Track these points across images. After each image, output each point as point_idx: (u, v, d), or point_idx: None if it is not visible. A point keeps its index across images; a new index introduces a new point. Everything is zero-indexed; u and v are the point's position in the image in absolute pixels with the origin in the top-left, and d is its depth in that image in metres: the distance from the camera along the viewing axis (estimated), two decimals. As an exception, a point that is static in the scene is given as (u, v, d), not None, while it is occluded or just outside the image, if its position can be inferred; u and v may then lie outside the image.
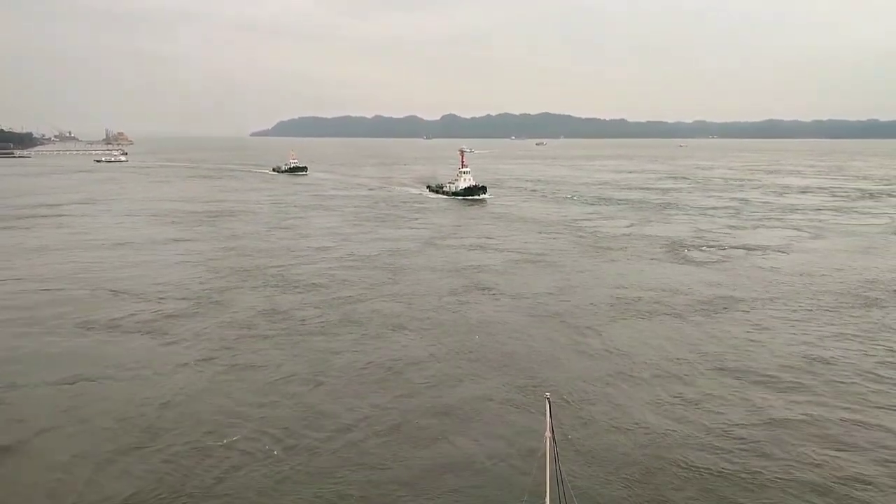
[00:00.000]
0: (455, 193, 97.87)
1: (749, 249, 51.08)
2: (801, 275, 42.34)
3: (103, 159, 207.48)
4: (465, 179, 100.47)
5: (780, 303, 34.80)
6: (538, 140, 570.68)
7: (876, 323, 30.79)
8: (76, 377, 24.16)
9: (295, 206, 78.80)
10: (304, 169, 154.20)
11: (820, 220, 70.12)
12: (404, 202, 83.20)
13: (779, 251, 51.05)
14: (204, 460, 17.84)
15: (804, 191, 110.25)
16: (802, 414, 20.07)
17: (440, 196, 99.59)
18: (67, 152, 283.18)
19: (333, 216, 69.10)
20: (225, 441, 19.14)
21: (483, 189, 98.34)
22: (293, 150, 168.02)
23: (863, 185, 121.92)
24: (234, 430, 19.65)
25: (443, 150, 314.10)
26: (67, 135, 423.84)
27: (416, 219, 65.64)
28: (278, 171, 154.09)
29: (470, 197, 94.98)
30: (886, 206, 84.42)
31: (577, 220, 68.55)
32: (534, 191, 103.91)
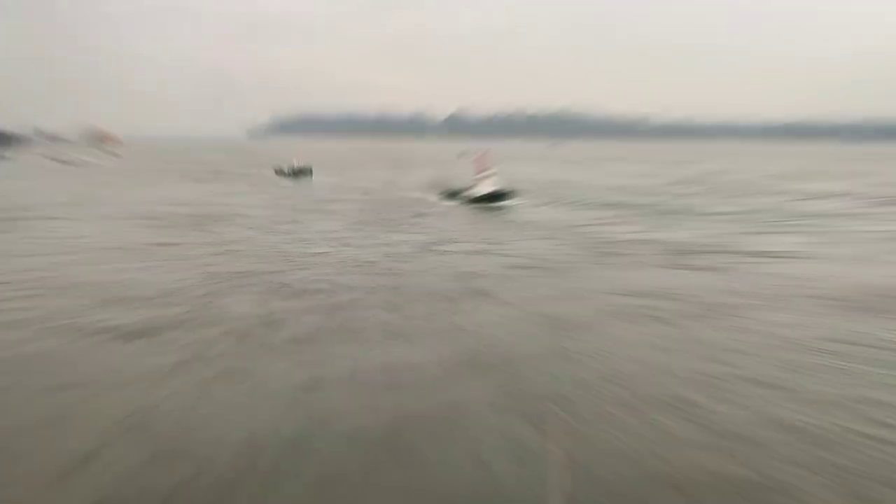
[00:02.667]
0: (476, 199, 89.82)
1: (756, 255, 50.68)
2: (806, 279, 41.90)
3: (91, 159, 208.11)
4: (486, 183, 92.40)
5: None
6: (551, 143, 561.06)
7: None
8: (58, 385, 23.55)
9: (297, 211, 78.42)
10: (310, 171, 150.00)
11: (851, 227, 69.37)
12: (421, 210, 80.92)
13: (787, 258, 50.50)
14: (188, 468, 17.07)
15: (832, 196, 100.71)
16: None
17: (458, 202, 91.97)
18: (51, 152, 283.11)
19: (343, 222, 68.58)
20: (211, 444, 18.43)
21: (508, 195, 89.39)
22: (297, 152, 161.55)
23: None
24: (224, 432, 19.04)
25: (450, 150, 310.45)
26: (51, 136, 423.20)
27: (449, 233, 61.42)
28: (281, 174, 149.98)
29: (494, 203, 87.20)
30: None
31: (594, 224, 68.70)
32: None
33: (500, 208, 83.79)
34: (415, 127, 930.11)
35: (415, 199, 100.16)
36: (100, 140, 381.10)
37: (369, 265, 43.74)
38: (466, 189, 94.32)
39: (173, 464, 16.91)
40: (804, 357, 24.85)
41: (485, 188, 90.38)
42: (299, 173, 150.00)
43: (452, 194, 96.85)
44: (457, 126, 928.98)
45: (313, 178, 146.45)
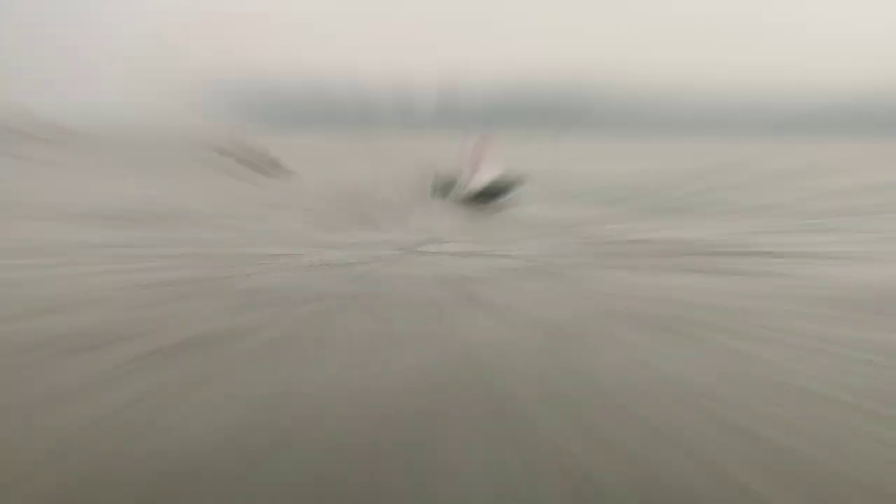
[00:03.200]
0: (471, 195, 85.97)
1: (776, 256, 49.80)
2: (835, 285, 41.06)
3: None
4: (482, 176, 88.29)
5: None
6: (555, 132, 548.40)
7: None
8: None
9: (264, 207, 76.54)
10: (278, 163, 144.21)
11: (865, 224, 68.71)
12: (408, 207, 78.84)
13: (817, 259, 49.65)
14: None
15: (869, 189, 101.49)
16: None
17: (450, 198, 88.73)
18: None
19: (318, 219, 66.93)
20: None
21: (510, 188, 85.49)
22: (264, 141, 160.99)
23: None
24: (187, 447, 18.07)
25: (437, 140, 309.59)
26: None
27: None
28: (246, 164, 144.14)
29: (493, 200, 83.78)
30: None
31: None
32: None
33: (499, 205, 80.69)
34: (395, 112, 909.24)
35: (401, 193, 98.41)
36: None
37: (346, 268, 42.33)
38: (462, 184, 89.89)
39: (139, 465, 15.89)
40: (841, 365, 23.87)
41: (483, 182, 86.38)
42: (269, 164, 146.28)
43: (445, 190, 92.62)
44: (445, 114, 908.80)
45: (284, 168, 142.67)
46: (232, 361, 26.17)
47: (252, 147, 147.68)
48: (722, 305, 34.39)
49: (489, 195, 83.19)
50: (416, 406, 22.31)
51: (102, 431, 20.44)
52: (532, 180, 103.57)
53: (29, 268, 44.75)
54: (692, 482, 16.00)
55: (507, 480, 16.27)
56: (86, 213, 68.15)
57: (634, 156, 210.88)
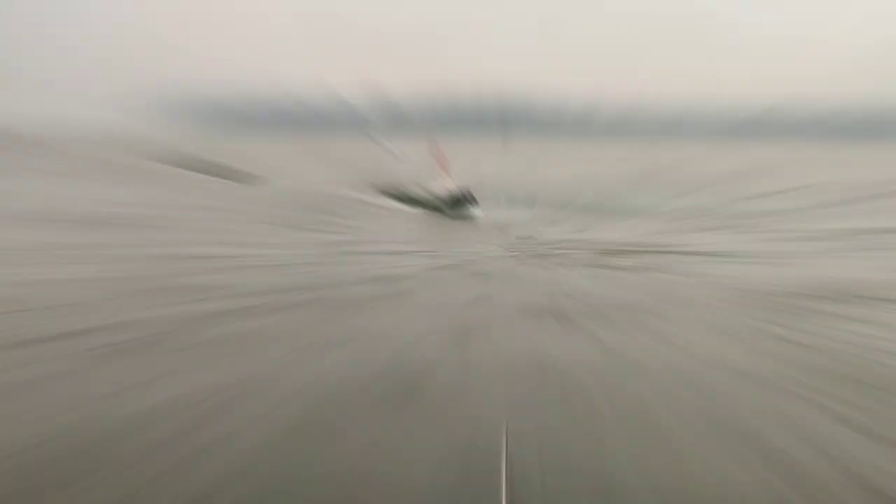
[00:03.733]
0: (431, 203, 79.52)
1: (688, 255, 53.57)
2: (737, 279, 44.57)
3: None
4: (443, 184, 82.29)
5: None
6: (505, 135, 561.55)
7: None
8: None
9: (207, 210, 77.00)
10: (233, 167, 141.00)
11: (790, 224, 72.63)
12: (353, 210, 78.72)
13: (727, 257, 53.47)
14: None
15: (782, 192, 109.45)
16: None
17: (407, 207, 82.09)
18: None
19: (264, 222, 68.13)
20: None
21: (471, 200, 77.13)
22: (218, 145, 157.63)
23: (852, 191, 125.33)
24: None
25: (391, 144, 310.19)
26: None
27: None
28: (195, 170, 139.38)
29: (455, 209, 76.94)
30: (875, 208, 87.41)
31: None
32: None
33: (461, 214, 77.03)
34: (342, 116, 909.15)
35: (348, 197, 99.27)
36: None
37: (289, 267, 44.35)
38: (419, 190, 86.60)
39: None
40: (681, 357, 27.24)
41: (443, 190, 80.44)
42: (219, 168, 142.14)
43: (399, 195, 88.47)
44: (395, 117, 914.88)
45: (234, 170, 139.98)
46: (177, 353, 28.30)
47: (212, 153, 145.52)
48: (614, 299, 37.77)
49: (453, 203, 79.14)
50: (338, 389, 24.79)
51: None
52: (477, 185, 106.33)
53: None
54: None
55: (417, 451, 18.46)
56: (45, 217, 68.55)
57: (579, 160, 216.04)
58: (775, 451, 19.67)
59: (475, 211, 76.91)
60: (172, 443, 19.81)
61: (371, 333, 31.21)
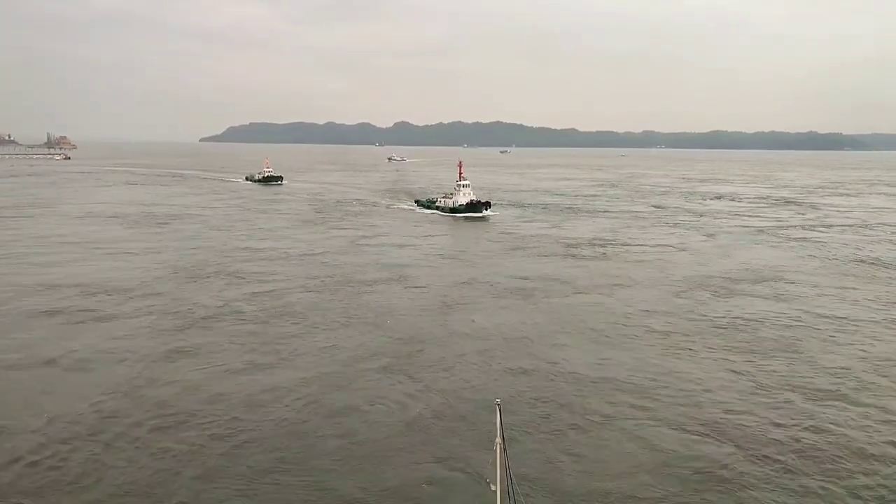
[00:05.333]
0: (454, 210, 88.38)
1: (634, 246, 59.75)
2: (657, 266, 50.30)
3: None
4: (464, 193, 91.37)
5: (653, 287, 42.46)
6: (502, 148, 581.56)
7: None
8: (38, 362, 28.58)
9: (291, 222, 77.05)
10: (280, 178, 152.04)
11: (715, 223, 79.02)
12: (375, 212, 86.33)
13: (660, 247, 59.36)
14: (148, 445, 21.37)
15: (721, 197, 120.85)
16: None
17: (434, 212, 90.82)
18: (6, 156, 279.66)
19: (319, 226, 72.16)
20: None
21: (486, 205, 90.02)
22: (267, 159, 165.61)
23: (777, 192, 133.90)
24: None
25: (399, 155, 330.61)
26: (7, 138, 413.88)
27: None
28: (252, 180, 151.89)
29: (471, 214, 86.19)
30: (782, 211, 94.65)
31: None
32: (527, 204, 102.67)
33: (480, 218, 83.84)
34: (362, 133, 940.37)
35: (365, 199, 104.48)
36: (55, 143, 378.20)
37: (309, 257, 49.89)
38: (443, 198, 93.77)
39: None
40: (611, 320, 32.66)
41: (462, 198, 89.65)
42: (269, 179, 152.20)
43: (429, 204, 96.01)
44: (403, 133, 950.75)
45: (283, 183, 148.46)
46: (225, 329, 32.64)
47: (263, 168, 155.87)
48: (570, 279, 42.85)
49: (473, 208, 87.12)
50: (353, 355, 29.39)
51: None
52: (479, 191, 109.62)
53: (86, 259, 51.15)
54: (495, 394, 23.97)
55: (460, 427, 23.23)
56: (123, 215, 73.69)
57: (566, 171, 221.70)
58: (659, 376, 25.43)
59: (489, 212, 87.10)
60: (239, 392, 24.58)
61: (380, 307, 36.16)
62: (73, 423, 22.06)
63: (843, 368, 28.36)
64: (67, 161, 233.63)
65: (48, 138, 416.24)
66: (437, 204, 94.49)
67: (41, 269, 47.82)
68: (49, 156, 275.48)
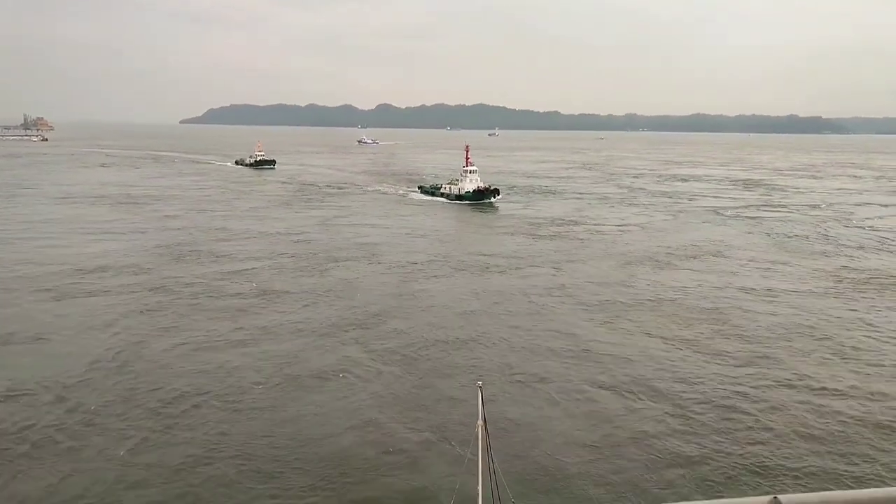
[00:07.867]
0: (460, 197, 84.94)
1: (594, 225, 63.65)
2: (613, 243, 53.73)
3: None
4: (471, 180, 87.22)
5: (596, 261, 46.06)
6: (490, 131, 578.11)
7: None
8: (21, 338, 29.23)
9: (279, 203, 78.27)
10: (272, 162, 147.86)
11: (679, 204, 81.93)
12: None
13: (617, 226, 63.22)
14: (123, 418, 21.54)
15: (691, 179, 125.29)
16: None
17: (439, 199, 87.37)
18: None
19: (324, 212, 72.20)
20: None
21: (495, 192, 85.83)
22: (260, 142, 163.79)
23: (748, 174, 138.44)
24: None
25: (382, 139, 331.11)
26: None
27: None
28: (242, 164, 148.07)
29: (479, 202, 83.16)
30: (747, 193, 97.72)
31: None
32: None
33: (486, 205, 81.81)
34: (345, 115, 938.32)
35: (346, 182, 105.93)
36: (31, 125, 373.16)
37: (283, 236, 52.51)
38: (448, 185, 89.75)
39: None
40: (554, 293, 35.97)
41: (469, 185, 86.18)
42: (262, 164, 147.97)
43: (433, 191, 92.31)
44: (385, 115, 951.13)
45: (277, 168, 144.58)
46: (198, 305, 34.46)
47: (255, 151, 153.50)
48: (533, 254, 45.92)
49: (481, 195, 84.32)
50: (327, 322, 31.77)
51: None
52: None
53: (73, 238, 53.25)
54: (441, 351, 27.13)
55: (441, 409, 24.81)
56: (106, 196, 74.83)
57: (545, 155, 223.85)
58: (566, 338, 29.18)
59: (495, 200, 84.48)
60: (212, 359, 26.71)
61: (350, 282, 38.85)
62: (41, 393, 23.58)
63: (760, 335, 30.88)
64: (45, 143, 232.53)
65: (24, 119, 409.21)
66: (442, 191, 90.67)
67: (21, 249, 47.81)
68: (25, 137, 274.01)
